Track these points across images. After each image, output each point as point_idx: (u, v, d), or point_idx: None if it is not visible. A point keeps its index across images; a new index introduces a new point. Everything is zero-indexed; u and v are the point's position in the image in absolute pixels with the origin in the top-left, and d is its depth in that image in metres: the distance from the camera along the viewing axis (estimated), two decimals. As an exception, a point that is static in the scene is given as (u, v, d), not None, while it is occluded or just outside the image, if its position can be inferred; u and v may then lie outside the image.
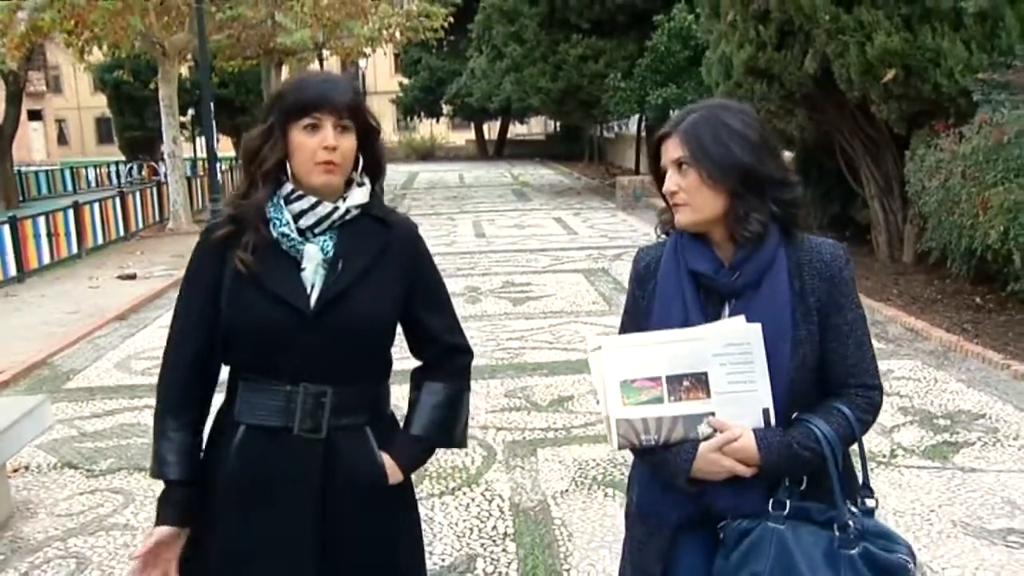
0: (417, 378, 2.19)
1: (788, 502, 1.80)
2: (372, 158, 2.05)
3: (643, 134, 24.56)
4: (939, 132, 8.58)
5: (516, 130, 51.20)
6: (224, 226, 1.99)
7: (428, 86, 42.83)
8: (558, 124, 41.59)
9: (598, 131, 32.78)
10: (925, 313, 8.25)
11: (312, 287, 1.97)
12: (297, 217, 1.96)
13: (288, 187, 1.97)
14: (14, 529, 4.35)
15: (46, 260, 13.32)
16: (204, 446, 2.07)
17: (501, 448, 5.20)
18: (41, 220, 13.49)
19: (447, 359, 2.17)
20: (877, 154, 10.18)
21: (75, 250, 14.37)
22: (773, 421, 1.81)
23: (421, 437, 2.11)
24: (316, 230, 1.98)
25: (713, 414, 1.80)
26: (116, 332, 8.91)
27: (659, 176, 1.96)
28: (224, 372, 2.09)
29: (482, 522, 4.27)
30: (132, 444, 5.51)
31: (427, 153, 45.08)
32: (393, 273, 2.05)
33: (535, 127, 52.89)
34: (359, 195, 2.02)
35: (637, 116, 22.77)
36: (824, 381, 1.87)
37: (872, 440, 5.01)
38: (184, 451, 2.01)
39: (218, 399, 2.10)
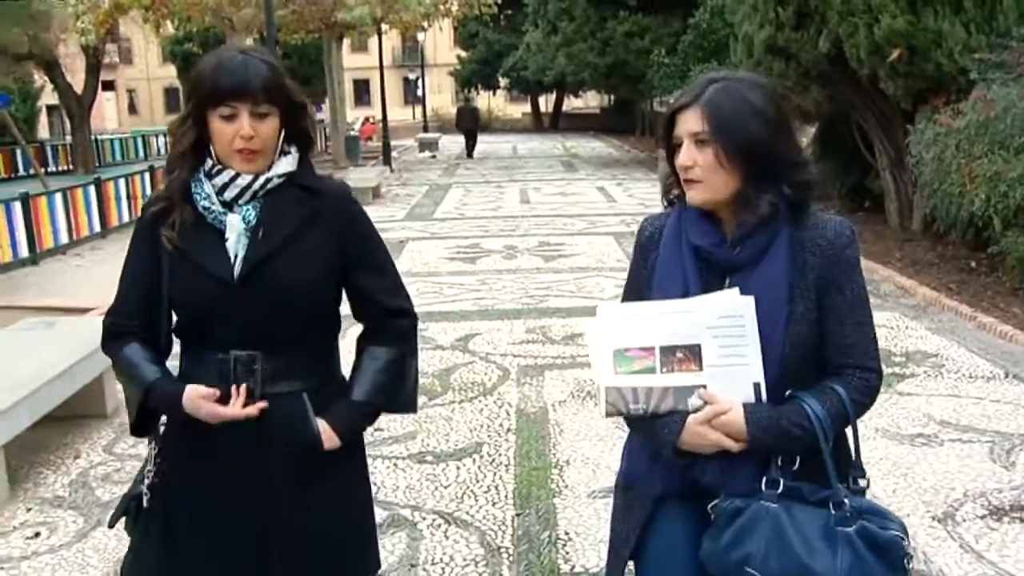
0: (361, 343, 2.20)
1: (781, 481, 1.78)
2: (297, 133, 2.08)
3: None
4: (939, 108, 9.30)
5: (572, 103, 51.94)
6: (158, 202, 2.07)
7: (485, 59, 43.82)
8: (612, 98, 42.22)
9: (649, 105, 33.39)
10: (919, 274, 9.00)
11: (236, 256, 2.01)
12: (221, 190, 2.02)
13: (210, 162, 2.03)
14: (120, 417, 5.46)
15: (125, 219, 14.57)
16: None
17: (515, 370, 6.19)
18: (121, 182, 14.81)
19: (388, 323, 2.17)
20: (888, 128, 10.89)
21: (151, 210, 15.61)
22: (764, 396, 1.78)
23: (360, 402, 2.13)
24: (240, 201, 2.02)
25: (705, 387, 1.80)
26: (192, 279, 10.06)
27: (670, 147, 1.90)
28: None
29: (491, 421, 5.27)
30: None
31: (484, 125, 46.04)
32: (322, 239, 2.06)
33: (591, 100, 53.46)
34: (284, 164, 2.05)
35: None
36: (822, 361, 1.84)
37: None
38: (152, 360, 2.08)
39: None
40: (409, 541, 3.84)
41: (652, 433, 1.85)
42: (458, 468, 4.61)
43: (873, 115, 10.99)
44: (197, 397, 2.00)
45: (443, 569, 3.63)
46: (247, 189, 2.01)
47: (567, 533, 3.88)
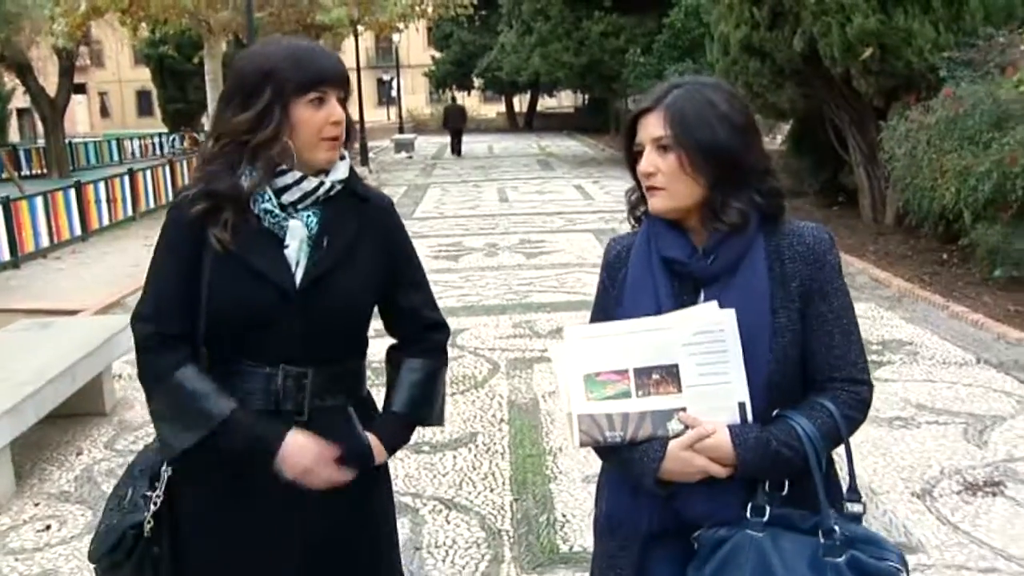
0: (395, 356, 2.13)
1: (768, 508, 1.67)
2: (350, 128, 1.97)
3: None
4: (910, 105, 9.55)
5: (546, 103, 52.13)
6: (200, 201, 1.87)
7: (460, 60, 43.91)
8: (586, 97, 42.47)
9: (624, 104, 33.67)
10: (893, 266, 9.25)
11: (296, 265, 1.89)
12: (279, 192, 1.88)
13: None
14: (119, 415, 5.57)
15: (105, 222, 14.58)
16: None
17: (504, 364, 6.35)
18: (101, 185, 14.80)
19: (425, 336, 2.12)
20: (862, 124, 11.16)
21: (130, 213, 15.66)
22: (750, 417, 1.67)
23: (403, 414, 2.07)
24: (299, 206, 1.90)
25: (684, 409, 1.68)
26: (177, 280, 10.15)
27: (632, 154, 1.80)
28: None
29: (484, 412, 5.42)
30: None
31: (462, 125, 46.13)
32: (372, 250, 1.98)
33: (565, 100, 53.71)
34: (342, 169, 1.95)
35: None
36: (808, 375, 1.73)
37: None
38: (216, 388, 1.86)
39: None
40: (412, 526, 3.98)
41: (630, 463, 1.71)
42: (455, 457, 4.75)
43: (846, 112, 11.25)
44: (314, 452, 1.85)
45: (447, 551, 3.77)
46: (311, 194, 1.90)
47: (564, 515, 4.04)
